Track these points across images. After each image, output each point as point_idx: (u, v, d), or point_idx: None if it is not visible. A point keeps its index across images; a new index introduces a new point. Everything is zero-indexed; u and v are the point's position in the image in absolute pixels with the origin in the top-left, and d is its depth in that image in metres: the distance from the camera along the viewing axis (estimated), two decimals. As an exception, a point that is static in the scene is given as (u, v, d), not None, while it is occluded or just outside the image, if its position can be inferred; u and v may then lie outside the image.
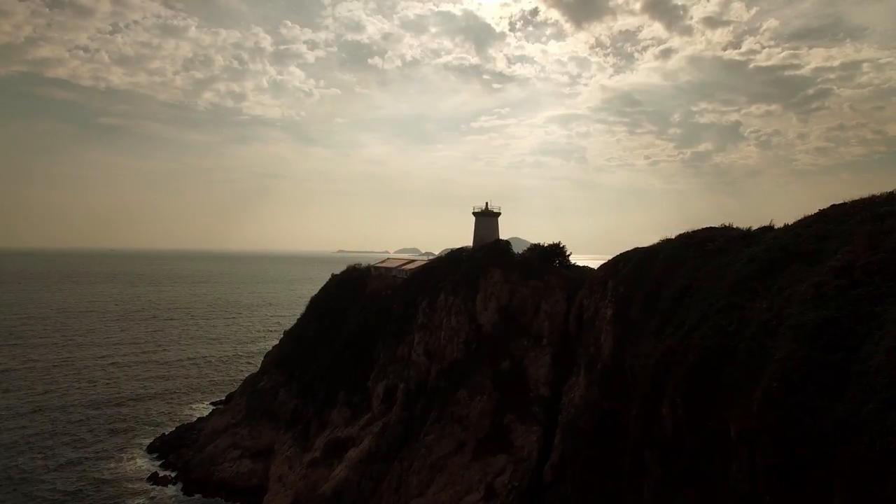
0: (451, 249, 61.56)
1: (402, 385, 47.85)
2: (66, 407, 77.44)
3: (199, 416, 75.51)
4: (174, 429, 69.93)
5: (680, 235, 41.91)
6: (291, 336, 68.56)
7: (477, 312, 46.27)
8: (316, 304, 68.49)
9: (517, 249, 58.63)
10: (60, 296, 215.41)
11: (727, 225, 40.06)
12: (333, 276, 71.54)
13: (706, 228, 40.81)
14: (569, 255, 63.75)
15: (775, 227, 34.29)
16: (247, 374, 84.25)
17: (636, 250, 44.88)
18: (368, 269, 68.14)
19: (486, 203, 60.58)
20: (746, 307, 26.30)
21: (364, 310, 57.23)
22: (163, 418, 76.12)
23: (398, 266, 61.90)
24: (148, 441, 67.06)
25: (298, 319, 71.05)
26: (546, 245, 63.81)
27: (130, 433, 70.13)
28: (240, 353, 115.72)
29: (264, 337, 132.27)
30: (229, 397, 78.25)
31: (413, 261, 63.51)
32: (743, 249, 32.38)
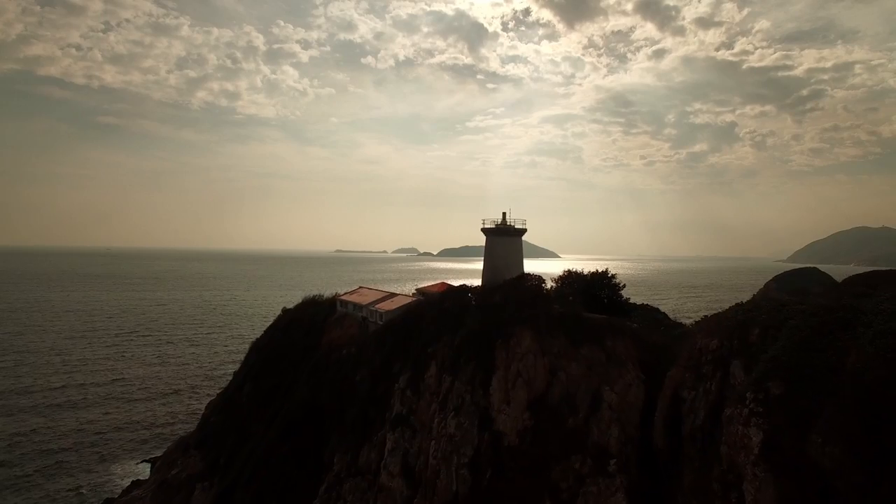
0: (450, 280, 41.70)
1: (364, 524, 28.19)
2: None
3: (109, 495, 56.27)
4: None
5: (877, 278, 22.20)
6: (224, 398, 48.46)
7: (493, 408, 26.53)
8: (257, 352, 48.13)
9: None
10: (32, 302, 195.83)
11: None
12: (285, 310, 51.17)
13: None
14: (622, 288, 43.92)
15: None
16: (194, 424, 65.04)
17: (775, 304, 25.00)
18: (333, 302, 48.11)
19: (504, 214, 39.43)
20: None
21: (313, 378, 37.26)
22: (66, 496, 56.77)
23: (371, 302, 42.02)
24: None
25: (236, 373, 50.80)
26: (587, 273, 43.99)
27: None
28: (197, 393, 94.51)
29: (228, 367, 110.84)
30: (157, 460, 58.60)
31: (394, 295, 43.47)
32: None
